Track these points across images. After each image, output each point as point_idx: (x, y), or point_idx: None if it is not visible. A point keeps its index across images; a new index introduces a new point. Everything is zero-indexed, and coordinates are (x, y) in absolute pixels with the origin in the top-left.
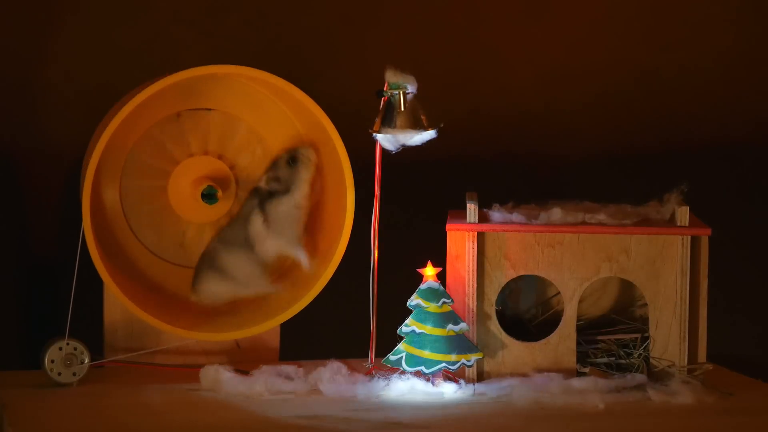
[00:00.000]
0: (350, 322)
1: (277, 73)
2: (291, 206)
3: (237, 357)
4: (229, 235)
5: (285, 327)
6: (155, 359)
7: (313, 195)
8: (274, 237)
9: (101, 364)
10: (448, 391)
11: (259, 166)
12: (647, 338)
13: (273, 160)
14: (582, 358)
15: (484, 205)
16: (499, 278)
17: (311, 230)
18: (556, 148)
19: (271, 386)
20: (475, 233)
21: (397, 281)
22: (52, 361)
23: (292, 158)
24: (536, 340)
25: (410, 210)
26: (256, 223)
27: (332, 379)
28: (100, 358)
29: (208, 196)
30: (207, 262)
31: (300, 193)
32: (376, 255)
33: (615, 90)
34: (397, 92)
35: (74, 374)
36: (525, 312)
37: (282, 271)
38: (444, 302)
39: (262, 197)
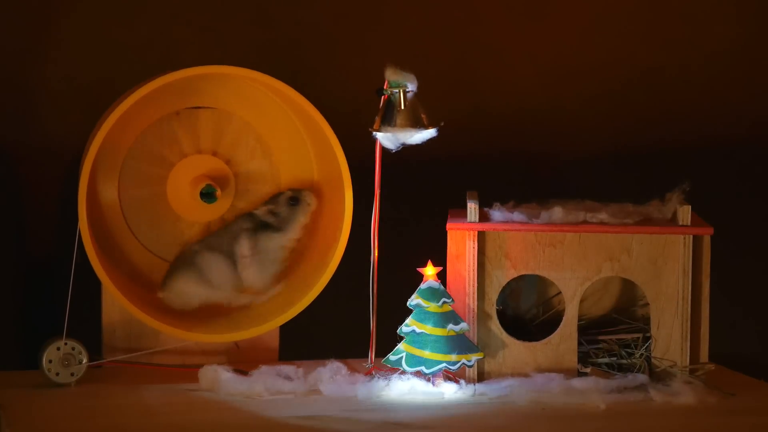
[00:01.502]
0: (350, 322)
1: (276, 73)
2: (278, 246)
3: (236, 357)
4: (214, 243)
5: (284, 327)
6: (154, 359)
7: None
8: (255, 266)
9: (99, 364)
10: (449, 391)
11: (258, 164)
12: (649, 338)
13: (275, 194)
14: (583, 358)
15: (484, 204)
16: (499, 278)
17: (304, 247)
18: (557, 146)
19: (271, 386)
20: (476, 232)
21: (397, 281)
22: (50, 361)
23: (293, 198)
24: (537, 340)
25: (410, 209)
26: (244, 246)
27: (332, 379)
28: (99, 358)
29: (207, 195)
30: (185, 261)
31: (290, 236)
32: (376, 255)
33: (616, 88)
34: (397, 90)
35: (72, 374)
36: (526, 312)
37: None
38: (444, 302)
39: (255, 224)
